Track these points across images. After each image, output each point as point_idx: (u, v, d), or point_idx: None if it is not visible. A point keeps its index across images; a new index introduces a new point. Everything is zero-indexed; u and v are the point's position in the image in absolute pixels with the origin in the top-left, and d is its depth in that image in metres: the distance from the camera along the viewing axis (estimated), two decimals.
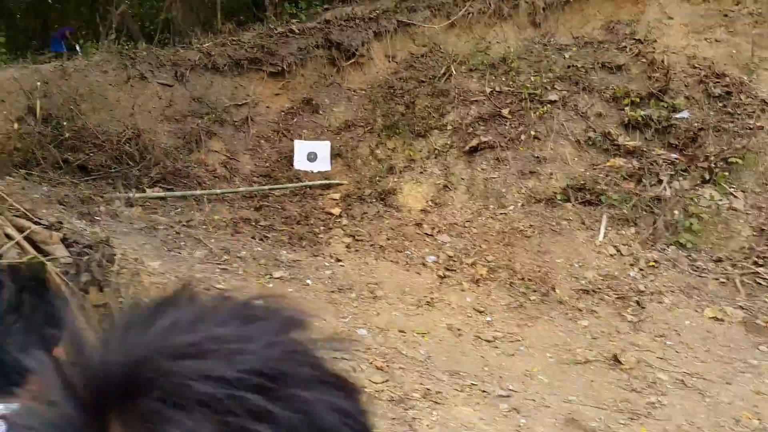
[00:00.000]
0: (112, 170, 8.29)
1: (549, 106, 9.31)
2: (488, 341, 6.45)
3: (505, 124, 9.32)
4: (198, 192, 8.65)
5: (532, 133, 9.10)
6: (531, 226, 8.41)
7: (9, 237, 3.50)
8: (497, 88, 9.74)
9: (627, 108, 9.30)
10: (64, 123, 8.37)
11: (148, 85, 9.60)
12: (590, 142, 9.13)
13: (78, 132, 8.38)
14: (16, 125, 8.14)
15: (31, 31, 17.27)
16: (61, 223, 4.14)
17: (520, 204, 8.69)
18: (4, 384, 1.07)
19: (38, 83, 8.70)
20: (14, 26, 17.23)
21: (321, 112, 10.44)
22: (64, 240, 3.90)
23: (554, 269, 7.89)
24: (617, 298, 7.52)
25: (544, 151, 8.99)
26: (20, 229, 3.61)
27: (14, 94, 8.50)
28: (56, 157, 7.99)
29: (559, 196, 8.66)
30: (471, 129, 9.36)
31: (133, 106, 9.10)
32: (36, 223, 3.82)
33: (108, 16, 12.85)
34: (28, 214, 3.91)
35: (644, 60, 9.97)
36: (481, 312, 7.05)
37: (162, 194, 8.35)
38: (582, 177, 8.77)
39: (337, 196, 9.30)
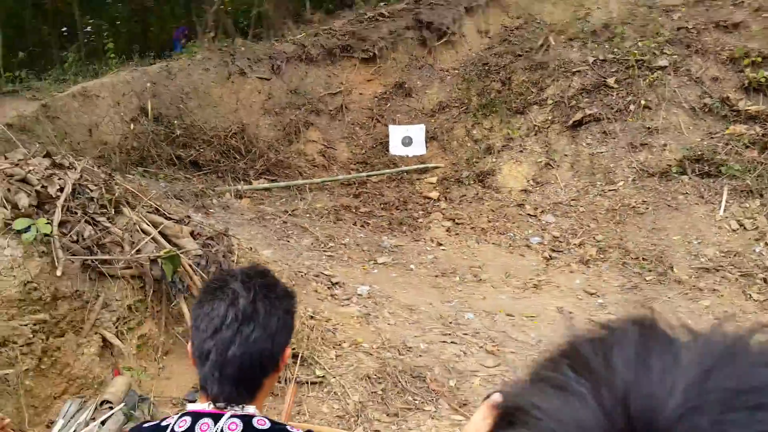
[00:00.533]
0: (221, 164, 8.68)
1: (659, 72, 8.69)
2: None
3: (611, 95, 8.81)
4: (300, 182, 8.89)
5: (642, 102, 8.54)
6: (644, 201, 7.94)
7: (145, 232, 3.74)
8: (600, 57, 9.22)
9: (747, 70, 8.51)
10: (175, 121, 8.85)
11: (247, 80, 9.95)
12: (706, 109, 8.45)
13: (187, 129, 8.84)
14: (132, 126, 8.69)
15: (132, 34, 18.39)
16: (189, 217, 4.38)
17: (630, 179, 8.22)
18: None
19: (147, 84, 9.24)
20: (116, 32, 18.44)
21: (414, 95, 10.37)
22: (191, 233, 4.12)
23: (671, 247, 7.41)
24: (741, 275, 6.96)
25: (656, 121, 8.42)
26: (154, 225, 3.85)
27: (127, 96, 9.09)
28: (169, 154, 8.47)
29: (674, 169, 8.10)
30: (573, 102, 8.94)
31: (236, 101, 9.47)
32: (167, 218, 4.06)
33: (203, 14, 13.41)
34: (159, 209, 4.17)
35: (766, 15, 9.07)
36: (592, 294, 6.76)
37: (267, 185, 8.65)
38: (699, 147, 8.14)
39: (434, 179, 9.24)
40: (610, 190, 8.19)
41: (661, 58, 8.87)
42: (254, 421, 1.15)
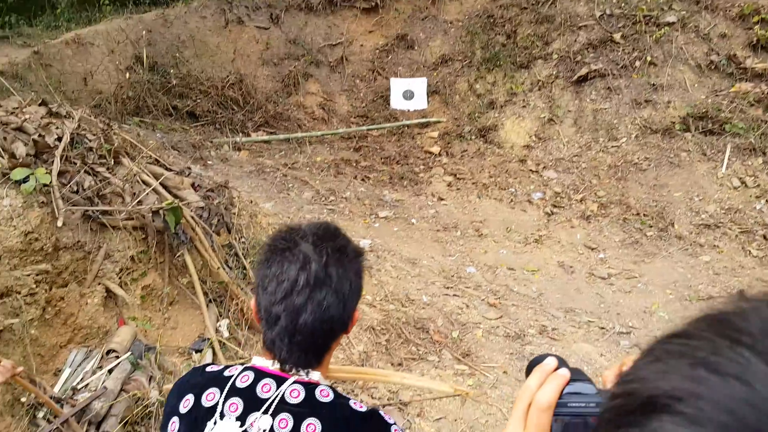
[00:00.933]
0: (219, 115, 8.53)
1: (666, 28, 8.48)
2: (603, 278, 6.21)
3: (617, 50, 8.62)
4: (299, 135, 8.76)
5: (648, 58, 8.37)
6: (646, 158, 7.88)
7: (146, 183, 3.67)
8: (608, 11, 8.97)
9: (756, 27, 8.30)
10: (171, 70, 8.64)
11: (245, 29, 9.68)
12: (713, 66, 8.29)
13: (184, 79, 8.64)
14: (127, 75, 8.49)
15: None
16: (189, 168, 4.30)
17: (633, 135, 8.13)
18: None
19: (143, 32, 8.98)
20: None
21: (416, 48, 10.13)
22: (191, 185, 4.05)
23: (672, 203, 7.40)
24: (741, 232, 6.99)
25: (661, 78, 8.27)
26: (155, 176, 3.78)
27: (122, 44, 8.84)
28: (166, 104, 8.31)
29: (677, 126, 8.01)
30: (579, 57, 8.75)
31: (233, 51, 9.24)
32: (167, 169, 3.98)
33: None
34: (159, 160, 4.08)
35: None
36: (593, 249, 6.78)
37: (266, 138, 8.52)
38: (703, 104, 8.03)
39: (435, 134, 9.12)
40: (612, 147, 8.11)
41: (669, 13, 8.65)
42: (317, 391, 1.11)
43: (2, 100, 5.64)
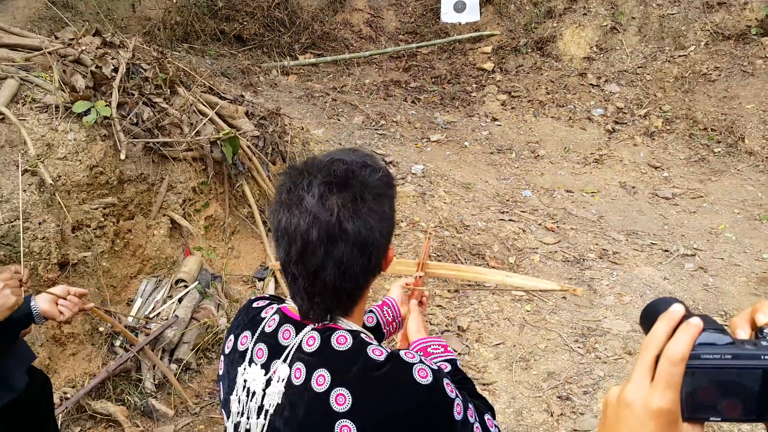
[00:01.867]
0: (266, 38, 8.35)
1: None
2: (667, 198, 5.98)
3: None
4: (347, 56, 8.52)
5: None
6: (716, 68, 7.33)
7: (202, 113, 3.65)
8: None
9: None
10: None
11: None
12: None
13: (230, 1, 8.43)
14: None
15: None
16: (243, 96, 4.25)
17: (703, 43, 7.54)
18: None
19: None
20: None
21: None
22: (245, 113, 4.02)
23: (743, 116, 6.93)
24: None
25: None
26: (210, 105, 3.75)
27: None
28: (213, 29, 8.17)
29: (753, 31, 7.36)
30: None
31: None
32: (221, 98, 3.94)
33: None
34: (213, 88, 4.04)
35: None
36: (656, 168, 6.49)
37: (314, 60, 8.33)
38: None
39: (488, 49, 8.70)
40: (679, 56, 7.56)
41: None
42: (333, 339, 1.03)
43: (57, 31, 5.65)
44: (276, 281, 3.77)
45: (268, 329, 1.10)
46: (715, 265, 4.89)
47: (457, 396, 1.03)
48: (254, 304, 1.19)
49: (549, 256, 4.89)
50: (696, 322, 0.56)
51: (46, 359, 2.90)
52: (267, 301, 1.20)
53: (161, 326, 3.13)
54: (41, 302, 1.73)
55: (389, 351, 1.03)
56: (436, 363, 1.10)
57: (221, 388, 1.17)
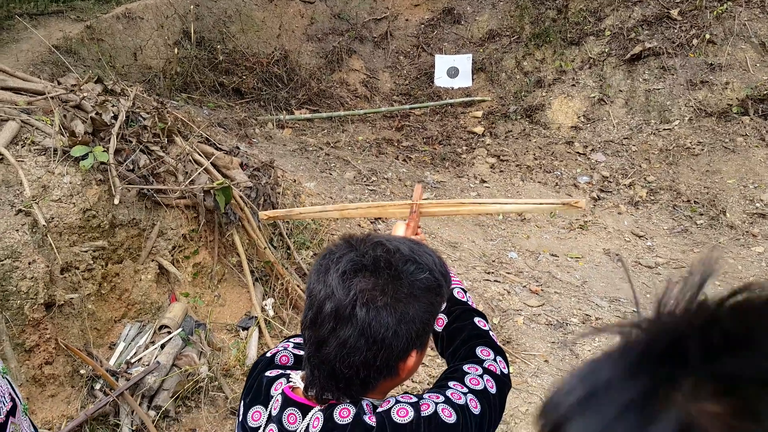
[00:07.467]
0: (263, 92, 8.58)
1: (729, 3, 8.08)
2: (649, 267, 6.08)
3: (674, 27, 8.28)
4: (342, 113, 8.75)
5: (707, 36, 8.01)
6: (699, 143, 7.60)
7: (198, 163, 3.74)
8: None
9: None
10: (217, 46, 8.70)
11: (290, 3, 9.65)
12: None
13: (230, 55, 8.70)
14: (175, 50, 8.58)
15: None
16: (238, 147, 4.35)
17: (687, 118, 7.84)
18: None
19: (191, 6, 9.04)
20: None
21: (463, 23, 9.94)
22: (240, 164, 4.10)
23: (725, 191, 7.14)
24: None
25: (720, 57, 7.92)
26: (206, 155, 3.84)
27: (170, 18, 8.91)
28: (213, 81, 8.39)
29: (734, 109, 7.68)
30: (633, 34, 8.43)
31: (279, 26, 9.24)
32: (217, 148, 4.04)
33: None
34: (210, 139, 4.14)
35: None
36: (640, 237, 6.62)
37: (309, 116, 8.55)
38: (765, 86, 7.66)
39: (479, 113, 8.98)
40: (664, 130, 7.85)
41: None
42: (336, 413, 1.01)
43: (59, 75, 5.79)
44: (260, 331, 3.76)
45: (273, 412, 1.08)
46: None
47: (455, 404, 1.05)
48: (267, 373, 1.16)
49: (533, 318, 4.92)
50: None
51: (24, 399, 2.85)
52: (278, 372, 1.16)
53: (142, 371, 3.10)
54: None
55: (380, 411, 1.02)
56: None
57: None
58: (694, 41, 8.04)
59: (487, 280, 5.44)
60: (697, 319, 0.40)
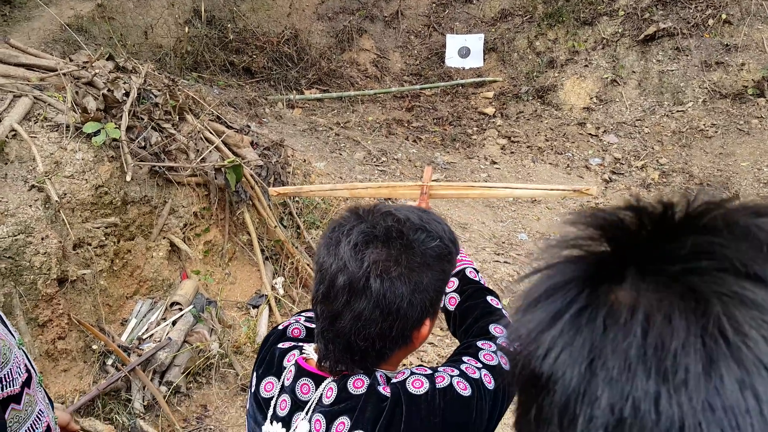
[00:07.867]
0: (273, 72, 8.53)
1: None
2: None
3: (689, 8, 8.13)
4: (352, 93, 8.70)
5: (723, 16, 7.86)
6: (713, 124, 7.50)
7: (209, 141, 3.73)
8: None
9: None
10: (228, 25, 8.65)
11: None
12: None
13: (240, 34, 8.65)
14: (186, 29, 8.54)
15: None
16: (249, 126, 4.34)
17: (701, 100, 7.73)
18: None
19: None
20: None
21: (474, 2, 9.81)
22: (250, 143, 4.10)
23: (738, 173, 7.06)
24: None
25: (736, 38, 7.78)
26: (217, 133, 3.84)
27: None
28: (223, 60, 8.36)
29: (750, 91, 7.56)
30: (647, 14, 8.29)
31: (289, 5, 9.15)
32: (228, 126, 4.03)
33: None
34: (221, 117, 4.14)
35: None
36: None
37: (319, 96, 8.51)
38: None
39: (490, 94, 8.90)
40: (678, 111, 7.75)
41: None
42: (350, 384, 1.01)
43: (70, 53, 5.79)
44: (270, 309, 3.79)
45: (287, 382, 1.07)
46: None
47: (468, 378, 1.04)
48: (280, 345, 1.15)
49: None
50: None
51: (39, 372, 2.89)
52: (290, 344, 1.15)
53: (154, 347, 3.14)
54: None
55: (395, 382, 1.02)
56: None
57: (248, 425, 1.16)
58: (710, 21, 7.89)
59: (497, 261, 5.43)
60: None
